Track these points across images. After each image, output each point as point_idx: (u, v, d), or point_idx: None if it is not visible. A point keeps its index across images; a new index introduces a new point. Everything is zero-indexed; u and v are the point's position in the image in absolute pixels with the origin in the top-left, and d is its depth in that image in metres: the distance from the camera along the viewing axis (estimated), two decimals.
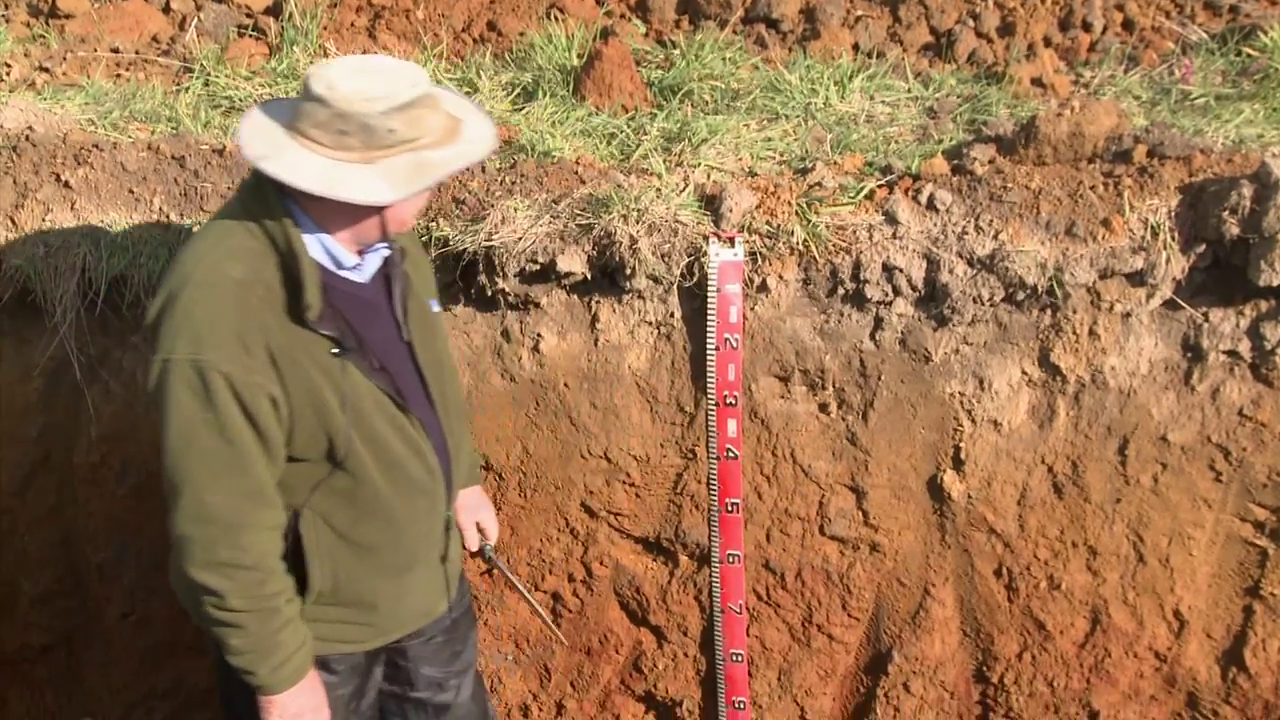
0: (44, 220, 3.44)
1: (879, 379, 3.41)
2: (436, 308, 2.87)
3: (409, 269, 2.76)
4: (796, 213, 3.30)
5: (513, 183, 3.44)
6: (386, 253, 2.65)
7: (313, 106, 2.34)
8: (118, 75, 4.22)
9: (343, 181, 2.35)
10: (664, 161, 3.51)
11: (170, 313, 2.39)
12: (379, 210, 2.45)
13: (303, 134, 2.37)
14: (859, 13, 4.44)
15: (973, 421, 3.43)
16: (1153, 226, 3.19)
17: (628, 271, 3.30)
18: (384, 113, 2.33)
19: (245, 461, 2.43)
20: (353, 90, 2.32)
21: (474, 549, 3.19)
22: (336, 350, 2.51)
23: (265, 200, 2.42)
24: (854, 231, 3.29)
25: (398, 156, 2.38)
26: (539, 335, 3.49)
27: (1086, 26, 4.32)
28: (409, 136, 2.37)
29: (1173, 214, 3.20)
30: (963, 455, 3.46)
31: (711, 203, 3.32)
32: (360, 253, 2.59)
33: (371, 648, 2.88)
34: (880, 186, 3.37)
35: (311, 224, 2.47)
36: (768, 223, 3.29)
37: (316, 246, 2.50)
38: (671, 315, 3.40)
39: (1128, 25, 4.30)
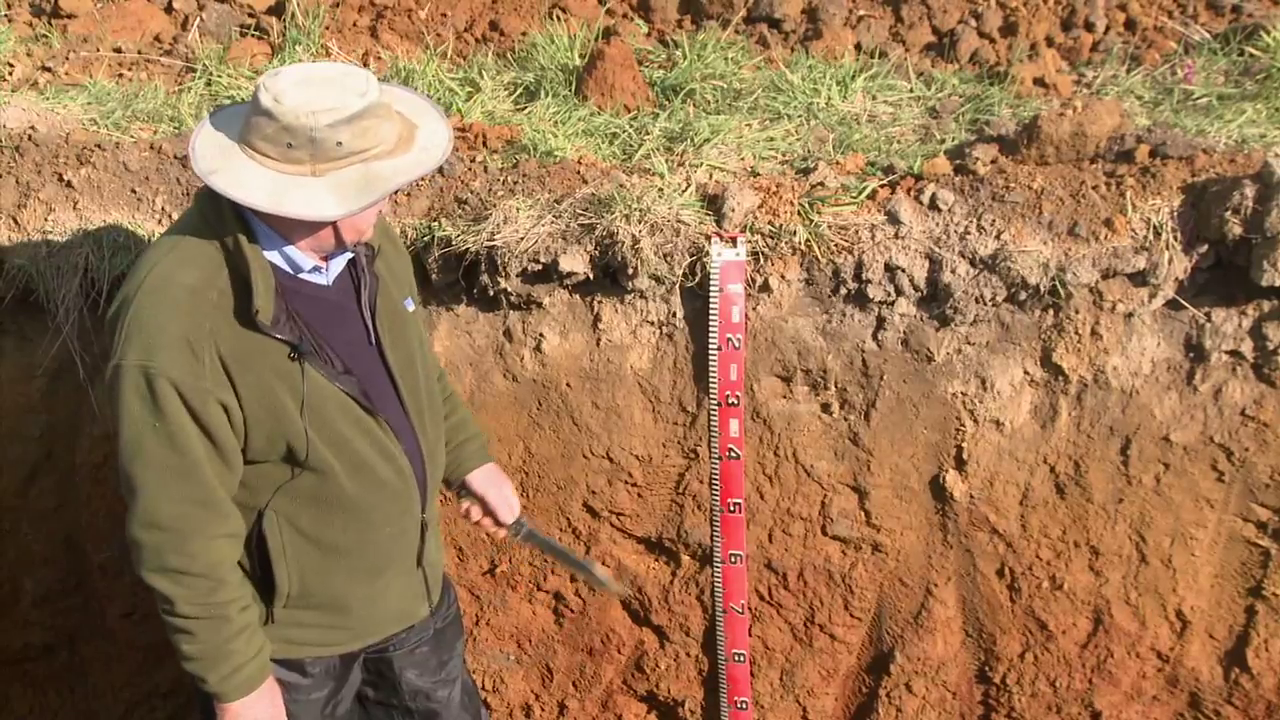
0: (46, 220, 3.45)
1: (881, 379, 3.41)
2: (412, 306, 2.84)
3: (381, 267, 2.73)
4: (799, 212, 3.29)
5: (515, 182, 3.44)
6: (351, 255, 2.64)
7: (260, 119, 2.33)
8: (120, 75, 4.22)
9: (289, 197, 2.33)
10: (666, 161, 3.51)
11: (122, 318, 2.40)
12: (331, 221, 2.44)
13: (252, 147, 2.36)
14: (861, 12, 4.44)
15: (975, 421, 3.43)
16: (1155, 226, 3.18)
17: (630, 271, 3.30)
18: (331, 125, 2.30)
19: (195, 470, 2.42)
20: (299, 103, 2.30)
21: (509, 520, 3.15)
22: (293, 354, 2.49)
23: (219, 208, 2.41)
24: (856, 231, 3.29)
25: (347, 169, 2.35)
26: (541, 335, 3.49)
27: (1089, 26, 4.32)
28: (358, 148, 2.35)
29: (1175, 214, 3.19)
30: (965, 455, 3.46)
31: (714, 202, 3.32)
32: (324, 257, 2.58)
33: (348, 650, 2.86)
34: (882, 186, 3.37)
35: (267, 230, 2.46)
36: (770, 222, 3.29)
37: (274, 251, 2.49)
38: (674, 315, 3.40)
39: (1130, 25, 4.30)
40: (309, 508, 2.63)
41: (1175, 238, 3.19)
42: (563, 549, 3.30)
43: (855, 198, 3.32)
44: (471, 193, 3.42)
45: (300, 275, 2.56)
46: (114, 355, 2.39)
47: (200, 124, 2.47)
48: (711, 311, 3.30)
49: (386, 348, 2.70)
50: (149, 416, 2.37)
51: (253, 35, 4.43)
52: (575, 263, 3.32)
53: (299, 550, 2.66)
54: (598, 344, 3.49)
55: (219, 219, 2.44)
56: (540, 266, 3.36)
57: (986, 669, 3.73)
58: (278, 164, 2.35)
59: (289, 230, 2.46)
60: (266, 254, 2.47)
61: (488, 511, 3.14)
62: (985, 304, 3.29)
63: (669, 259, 3.29)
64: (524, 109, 3.94)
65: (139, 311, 2.38)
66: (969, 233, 3.25)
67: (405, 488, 2.75)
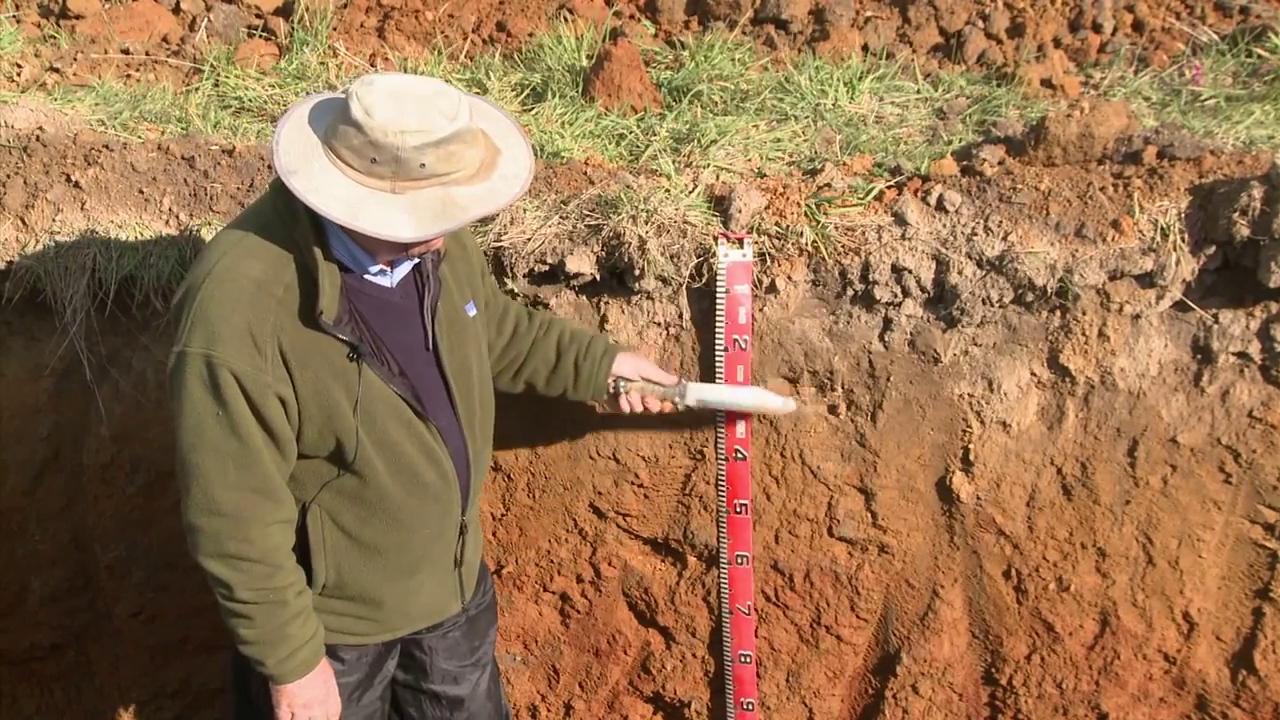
0: (54, 220, 3.45)
1: (888, 380, 3.41)
2: (473, 311, 2.86)
3: (445, 272, 2.76)
4: (805, 214, 3.29)
5: None
6: (417, 260, 2.66)
7: (348, 129, 2.34)
8: (128, 76, 4.23)
9: (366, 212, 2.35)
10: (673, 162, 3.51)
11: (188, 305, 2.44)
12: None
13: (335, 153, 2.38)
14: (868, 13, 4.44)
15: (982, 423, 3.43)
16: (1162, 228, 3.18)
17: (637, 272, 3.30)
18: (417, 147, 2.32)
19: (254, 458, 2.47)
20: (388, 120, 2.31)
21: (672, 383, 3.22)
22: (352, 354, 2.52)
23: (293, 204, 2.43)
24: (863, 232, 3.28)
25: (427, 190, 2.37)
26: None
27: (1096, 28, 4.32)
28: (440, 171, 2.36)
29: (1182, 215, 3.19)
30: (971, 457, 3.46)
31: (720, 203, 3.32)
32: (390, 261, 2.59)
33: (378, 642, 2.92)
34: (889, 187, 3.37)
35: (337, 230, 2.48)
36: (777, 224, 3.29)
37: (342, 251, 2.52)
38: (680, 316, 3.40)
39: (1138, 26, 4.30)
40: (352, 506, 2.69)
41: (1182, 239, 3.18)
42: (732, 393, 3.29)
43: (862, 199, 3.32)
44: None
45: (365, 276, 2.59)
46: (178, 341, 2.43)
47: (288, 114, 2.47)
48: (718, 313, 3.30)
49: (443, 352, 2.74)
50: (211, 404, 2.42)
51: (260, 36, 4.43)
52: (582, 264, 3.32)
53: (338, 545, 2.72)
54: None
55: (292, 215, 2.46)
56: (547, 267, 3.36)
57: (993, 670, 3.73)
58: (359, 175, 2.37)
59: (358, 236, 2.48)
60: (335, 253, 2.50)
61: (649, 387, 3.19)
62: (992, 305, 3.28)
63: (675, 260, 3.29)
64: (531, 110, 3.94)
65: (205, 300, 2.42)
66: (976, 234, 3.24)
67: (447, 491, 2.80)
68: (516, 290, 3.39)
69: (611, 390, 3.18)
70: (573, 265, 3.32)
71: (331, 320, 2.47)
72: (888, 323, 3.36)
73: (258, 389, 2.42)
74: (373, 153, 2.33)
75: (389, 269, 2.61)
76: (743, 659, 3.67)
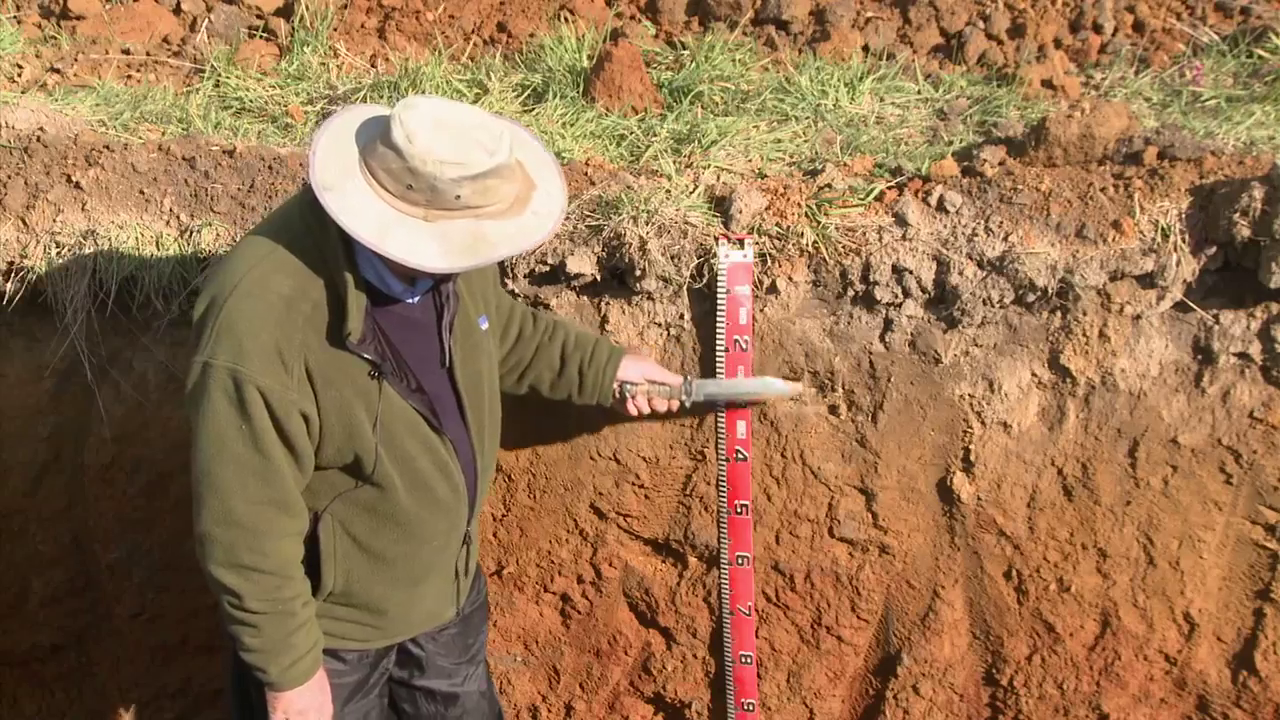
0: (55, 221, 3.45)
1: (888, 381, 3.41)
2: (485, 325, 2.86)
3: (461, 285, 2.76)
4: (806, 214, 3.29)
5: None
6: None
7: (387, 152, 2.33)
8: (129, 76, 4.23)
9: (396, 237, 2.34)
10: (674, 163, 3.51)
11: (214, 317, 2.42)
12: None
13: (372, 173, 2.37)
14: (869, 14, 4.44)
15: (982, 423, 3.42)
16: (1163, 228, 3.18)
17: (637, 273, 3.30)
18: (455, 179, 2.31)
19: (274, 471, 2.47)
20: (428, 148, 2.30)
21: (677, 382, 3.26)
22: (374, 372, 2.52)
23: (323, 218, 2.40)
24: (864, 233, 3.28)
25: (459, 220, 2.37)
26: None
27: (1097, 28, 4.31)
28: (475, 204, 2.36)
29: (1183, 216, 3.19)
30: (972, 457, 3.46)
31: (721, 204, 3.32)
32: (410, 279, 2.59)
33: (377, 648, 2.94)
34: (890, 188, 3.37)
35: (367, 250, 2.46)
36: (777, 224, 3.29)
37: (369, 269, 2.51)
38: (681, 317, 3.39)
39: (1138, 27, 4.29)
40: (365, 517, 2.70)
41: (1183, 240, 3.18)
42: (738, 385, 3.33)
43: (863, 199, 3.32)
44: None
45: (389, 292, 2.59)
46: (201, 352, 2.42)
47: (326, 125, 2.45)
48: (719, 313, 3.30)
49: (457, 367, 2.74)
50: (236, 418, 2.41)
51: (260, 37, 4.44)
52: (583, 264, 3.32)
53: (348, 554, 2.73)
54: None
55: (322, 229, 2.44)
56: (548, 268, 3.36)
57: (994, 671, 3.73)
58: (393, 199, 2.36)
59: (386, 259, 2.46)
60: (362, 271, 2.49)
61: (655, 388, 3.23)
62: (993, 306, 3.28)
63: (676, 261, 3.29)
64: (532, 110, 3.94)
65: (233, 313, 2.40)
66: (976, 234, 3.24)
67: (458, 504, 2.82)
68: (517, 291, 3.39)
69: (617, 395, 3.20)
70: (573, 266, 3.32)
71: (356, 341, 2.48)
72: (888, 323, 3.36)
73: (283, 406, 2.42)
74: (409, 179, 2.32)
75: (411, 285, 2.61)
76: (743, 660, 3.67)
